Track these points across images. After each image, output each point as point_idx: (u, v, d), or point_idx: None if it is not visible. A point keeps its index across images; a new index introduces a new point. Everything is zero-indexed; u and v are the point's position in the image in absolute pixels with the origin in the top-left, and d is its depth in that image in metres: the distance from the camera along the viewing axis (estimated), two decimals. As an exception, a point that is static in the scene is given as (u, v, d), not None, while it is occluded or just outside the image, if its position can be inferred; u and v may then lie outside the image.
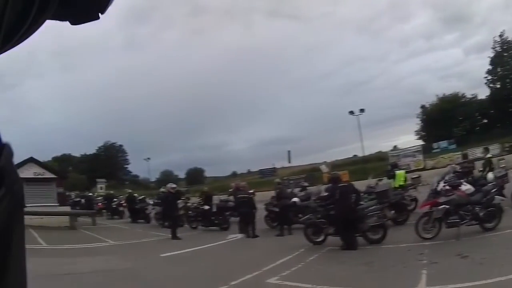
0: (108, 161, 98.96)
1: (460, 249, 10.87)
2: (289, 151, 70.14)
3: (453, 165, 21.59)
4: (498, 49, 68.64)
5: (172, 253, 15.41)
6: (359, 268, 10.78)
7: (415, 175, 24.76)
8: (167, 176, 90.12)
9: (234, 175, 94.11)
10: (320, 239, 14.88)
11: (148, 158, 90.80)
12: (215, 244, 17.58)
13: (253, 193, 20.96)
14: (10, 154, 0.81)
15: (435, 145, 62.85)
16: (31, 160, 29.19)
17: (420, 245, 12.26)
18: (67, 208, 29.58)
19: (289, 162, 70.04)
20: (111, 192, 45.45)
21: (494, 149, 38.76)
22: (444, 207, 12.78)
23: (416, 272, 9.33)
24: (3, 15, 0.74)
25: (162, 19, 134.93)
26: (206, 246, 17.13)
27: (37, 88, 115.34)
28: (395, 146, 74.54)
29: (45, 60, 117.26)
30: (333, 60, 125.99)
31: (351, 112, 60.39)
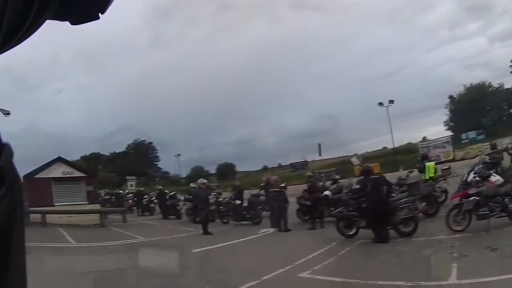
0: (138, 159, 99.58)
1: (489, 241, 10.85)
2: (319, 144, 69.33)
3: (482, 155, 21.39)
4: (522, 36, 67.04)
5: (203, 249, 15.44)
6: (391, 261, 10.87)
7: (445, 166, 24.54)
8: (197, 172, 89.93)
9: (265, 169, 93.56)
10: (352, 232, 14.92)
11: (178, 155, 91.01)
12: (247, 238, 17.66)
13: (284, 187, 20.95)
14: (10, 154, 0.80)
15: (463, 135, 61.91)
16: (59, 159, 29.59)
17: (450, 238, 12.27)
18: (96, 206, 29.65)
19: (320, 155, 69.34)
20: (142, 189, 45.54)
21: (522, 138, 37.93)
22: (475, 198, 12.75)
23: (447, 265, 9.40)
24: (3, 15, 0.75)
25: (187, 16, 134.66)
26: (238, 241, 17.16)
27: (62, 89, 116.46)
28: (424, 137, 73.15)
29: (69, 61, 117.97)
30: (358, 52, 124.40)
31: (380, 104, 59.60)
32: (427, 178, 19.18)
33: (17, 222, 0.80)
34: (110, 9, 1.03)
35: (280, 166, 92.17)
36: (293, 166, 75.29)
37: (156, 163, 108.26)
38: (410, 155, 48.04)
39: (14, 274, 0.79)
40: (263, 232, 19.03)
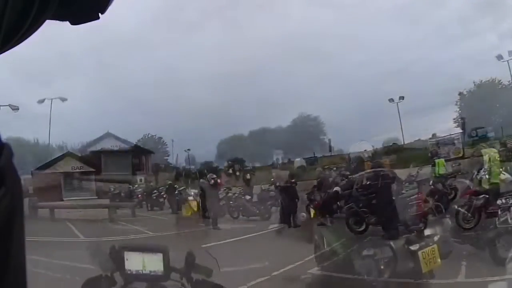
0: (148, 153, 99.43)
1: (498, 239, 10.84)
2: (329, 140, 68.93)
3: (492, 153, 21.31)
4: (532, 32, 66.34)
5: (212, 244, 15.29)
6: (400, 258, 10.87)
7: (454, 163, 24.46)
8: (207, 167, 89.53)
9: (275, 164, 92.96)
10: (361, 229, 14.87)
11: (188, 149, 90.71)
12: (256, 234, 17.66)
13: (294, 183, 21.03)
14: (10, 154, 0.80)
15: (473, 132, 61.49)
16: (68, 154, 30.01)
17: (459, 235, 12.25)
18: (106, 201, 29.54)
19: (330, 151, 69.08)
20: (151, 183, 45.48)
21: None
22: (484, 196, 12.72)
23: (456, 264, 9.40)
24: (3, 15, 0.76)
25: (197, 11, 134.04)
26: (247, 236, 17.16)
27: (73, 86, 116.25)
28: (434, 134, 72.64)
29: (80, 57, 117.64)
30: (367, 49, 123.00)
31: (391, 100, 59.26)
32: (436, 175, 19.13)
33: (17, 222, 0.81)
34: (111, 8, 1.03)
35: (290, 161, 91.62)
36: (303, 161, 74.78)
37: (166, 157, 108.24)
38: (420, 151, 47.83)
39: (14, 274, 0.80)
40: (272, 228, 18.98)
